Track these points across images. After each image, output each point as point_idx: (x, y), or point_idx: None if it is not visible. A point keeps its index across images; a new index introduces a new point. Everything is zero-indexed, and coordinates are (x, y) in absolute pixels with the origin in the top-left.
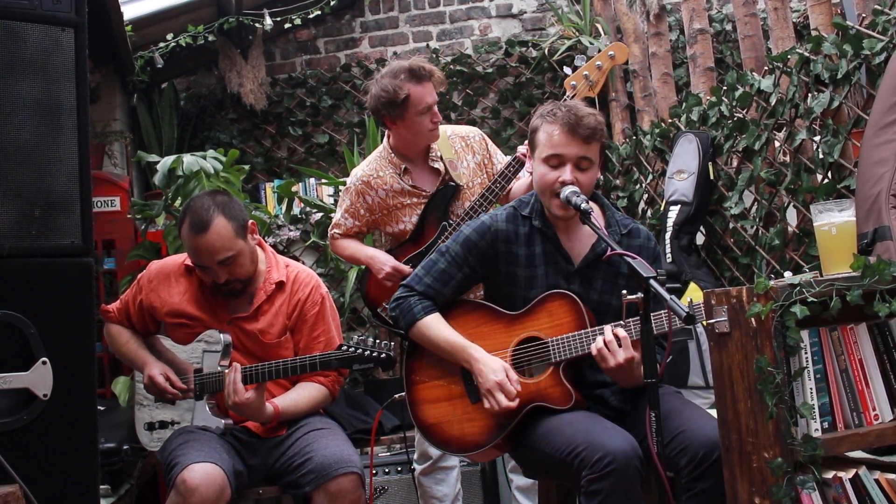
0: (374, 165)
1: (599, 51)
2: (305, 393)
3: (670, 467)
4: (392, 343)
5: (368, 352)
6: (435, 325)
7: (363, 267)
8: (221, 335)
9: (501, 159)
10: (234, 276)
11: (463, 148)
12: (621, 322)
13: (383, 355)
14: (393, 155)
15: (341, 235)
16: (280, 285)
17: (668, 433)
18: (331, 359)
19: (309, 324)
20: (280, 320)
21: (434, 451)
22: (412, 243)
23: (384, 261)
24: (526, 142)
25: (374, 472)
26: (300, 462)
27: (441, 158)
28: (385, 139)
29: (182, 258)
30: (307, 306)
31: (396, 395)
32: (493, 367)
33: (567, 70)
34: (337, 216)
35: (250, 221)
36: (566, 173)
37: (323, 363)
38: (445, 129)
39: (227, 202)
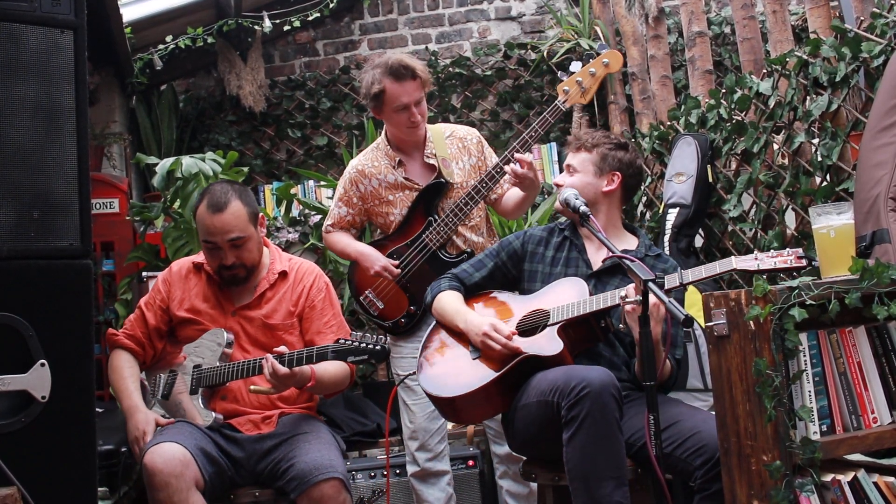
0: (370, 156)
1: (596, 55)
2: (333, 366)
3: (683, 468)
4: (387, 338)
5: (364, 344)
6: (448, 297)
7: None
8: (224, 333)
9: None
10: (241, 261)
11: (459, 150)
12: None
13: (378, 347)
14: (389, 147)
15: (333, 227)
16: (283, 275)
17: (683, 434)
18: (326, 351)
19: (318, 309)
20: (284, 306)
21: (422, 456)
22: (398, 235)
23: (374, 259)
24: (516, 161)
25: (372, 474)
26: (285, 468)
27: (435, 155)
28: (383, 130)
29: (190, 259)
30: (313, 292)
31: (405, 375)
32: (480, 321)
33: (563, 75)
34: (331, 208)
35: (260, 214)
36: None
37: (319, 355)
38: (444, 129)
39: (243, 190)
